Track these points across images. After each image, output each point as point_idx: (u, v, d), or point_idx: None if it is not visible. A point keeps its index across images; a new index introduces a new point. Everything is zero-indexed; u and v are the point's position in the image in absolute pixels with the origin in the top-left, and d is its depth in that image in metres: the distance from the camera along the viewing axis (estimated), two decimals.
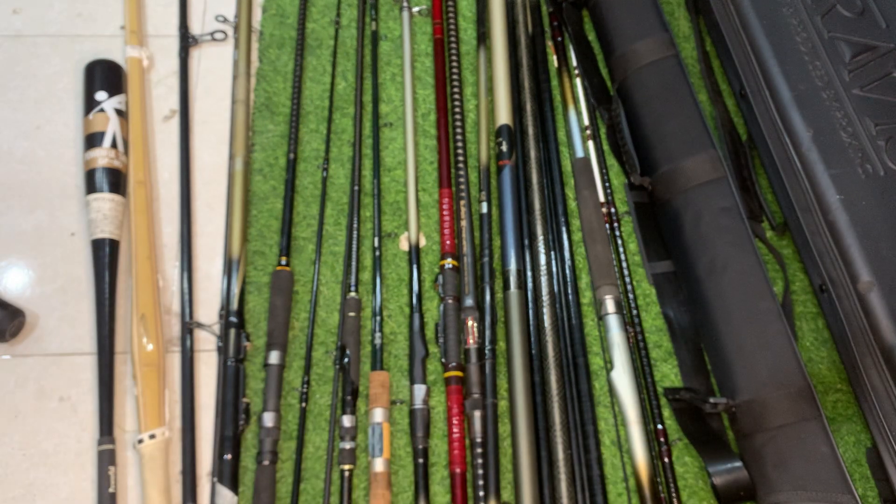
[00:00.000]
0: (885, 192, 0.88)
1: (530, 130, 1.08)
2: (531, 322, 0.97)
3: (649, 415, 0.93)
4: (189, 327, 0.98)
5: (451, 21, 1.19)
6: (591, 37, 1.21)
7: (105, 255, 1.00)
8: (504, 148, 1.06)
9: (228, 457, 0.90)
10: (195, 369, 0.97)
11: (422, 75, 1.19)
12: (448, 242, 1.02)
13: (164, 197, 1.09)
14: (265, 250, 1.05)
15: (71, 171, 1.10)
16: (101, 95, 1.08)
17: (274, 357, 0.95)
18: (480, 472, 0.88)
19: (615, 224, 1.05)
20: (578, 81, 1.15)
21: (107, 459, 0.89)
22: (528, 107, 1.10)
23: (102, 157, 1.04)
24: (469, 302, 0.97)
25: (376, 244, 1.04)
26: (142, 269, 1.00)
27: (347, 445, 0.90)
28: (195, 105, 1.16)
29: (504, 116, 1.08)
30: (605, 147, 1.11)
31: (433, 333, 0.99)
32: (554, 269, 1.00)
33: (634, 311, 0.99)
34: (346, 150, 1.12)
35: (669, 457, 0.91)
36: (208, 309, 1.02)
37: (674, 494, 0.89)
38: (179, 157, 1.10)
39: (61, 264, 1.04)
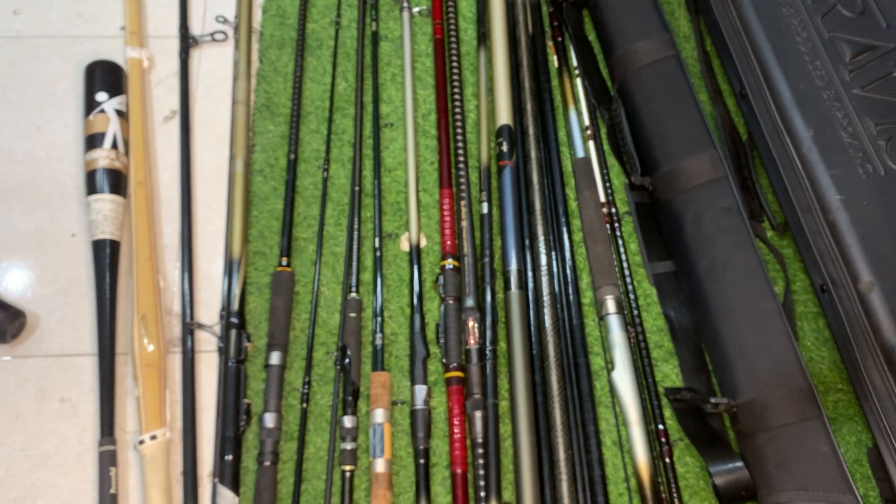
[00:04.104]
0: (885, 192, 0.88)
1: (531, 130, 1.08)
2: (532, 322, 0.97)
3: (650, 415, 0.93)
4: (190, 328, 0.98)
5: (452, 21, 1.19)
6: (592, 37, 1.21)
7: (106, 256, 1.00)
8: (504, 148, 1.06)
9: (229, 457, 0.90)
10: (196, 370, 0.97)
11: (422, 76, 1.19)
12: (449, 243, 1.02)
13: (165, 198, 1.09)
14: (266, 251, 1.05)
15: (71, 172, 1.10)
16: (101, 96, 1.08)
17: (275, 358, 0.95)
18: (481, 472, 0.88)
19: (616, 224, 1.05)
20: (579, 81, 1.15)
21: (108, 460, 0.89)
22: (529, 107, 1.10)
23: (103, 157, 1.04)
24: (470, 302, 0.97)
25: (377, 245, 1.04)
26: (142, 270, 1.00)
27: (348, 446, 0.90)
28: (196, 106, 1.16)
29: (504, 116, 1.08)
30: (606, 147, 1.11)
31: (434, 334, 0.99)
32: (555, 269, 1.00)
33: (635, 312, 0.99)
34: (347, 150, 1.12)
35: (670, 457, 0.91)
36: (209, 310, 1.02)
37: (675, 494, 0.89)
38: (180, 157, 1.10)
39: (62, 265, 1.04)
